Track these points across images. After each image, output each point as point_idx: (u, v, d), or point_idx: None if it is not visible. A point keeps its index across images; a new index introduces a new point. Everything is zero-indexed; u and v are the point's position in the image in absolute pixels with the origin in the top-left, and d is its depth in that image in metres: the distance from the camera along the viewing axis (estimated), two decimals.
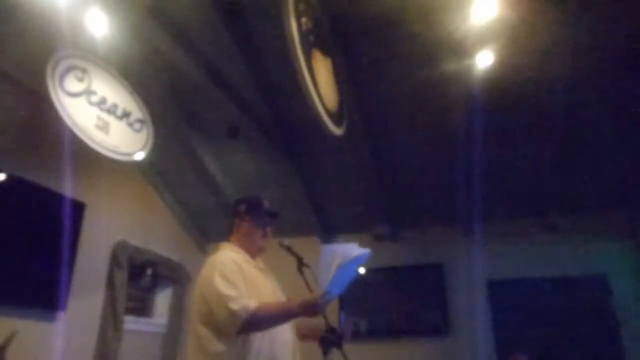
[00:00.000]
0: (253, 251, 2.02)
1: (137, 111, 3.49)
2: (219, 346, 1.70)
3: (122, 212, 4.48)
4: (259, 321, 1.69)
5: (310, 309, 1.66)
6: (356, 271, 1.78)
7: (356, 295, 4.80)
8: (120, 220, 4.44)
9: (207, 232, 5.49)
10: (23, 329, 3.15)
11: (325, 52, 3.09)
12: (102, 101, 3.19)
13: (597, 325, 4.36)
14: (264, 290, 1.87)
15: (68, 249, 3.65)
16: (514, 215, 4.79)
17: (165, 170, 4.83)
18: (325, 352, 1.68)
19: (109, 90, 3.28)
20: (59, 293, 3.58)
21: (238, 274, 1.79)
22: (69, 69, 2.96)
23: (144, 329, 4.68)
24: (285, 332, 1.85)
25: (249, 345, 1.71)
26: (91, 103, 3.11)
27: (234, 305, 1.66)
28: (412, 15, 3.24)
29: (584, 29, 3.21)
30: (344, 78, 3.52)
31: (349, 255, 1.65)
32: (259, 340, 1.74)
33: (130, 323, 4.37)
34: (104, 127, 3.15)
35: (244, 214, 2.04)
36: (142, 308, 4.87)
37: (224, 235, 2.10)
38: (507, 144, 4.16)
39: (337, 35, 3.43)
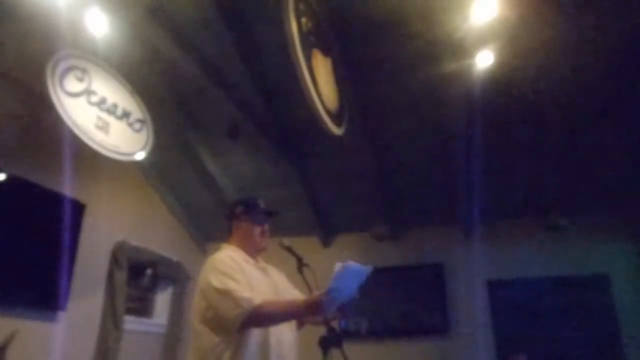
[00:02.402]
0: (252, 251, 2.02)
1: (137, 111, 3.49)
2: (214, 339, 1.70)
3: (122, 212, 4.48)
4: (262, 316, 1.69)
5: (314, 306, 1.66)
6: (356, 288, 1.78)
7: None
8: (120, 220, 4.44)
9: (207, 232, 5.49)
10: (23, 329, 3.15)
11: (325, 52, 3.09)
12: (102, 101, 3.19)
13: (597, 325, 4.36)
14: (262, 289, 1.86)
15: (68, 249, 3.66)
16: (514, 215, 4.79)
17: (165, 170, 4.83)
18: (325, 352, 1.67)
19: (109, 90, 3.27)
20: (59, 293, 3.58)
21: (237, 271, 1.79)
22: (68, 69, 2.96)
23: (144, 329, 4.68)
24: (283, 329, 1.84)
25: (245, 340, 1.71)
26: (91, 103, 3.10)
27: (238, 296, 1.67)
28: (412, 15, 3.23)
29: (584, 29, 3.21)
30: (344, 78, 3.52)
31: (353, 266, 1.67)
32: (255, 335, 1.74)
33: (130, 323, 4.37)
34: (104, 127, 3.15)
35: (241, 215, 2.05)
36: (142, 308, 4.87)
37: (224, 235, 2.11)
38: (507, 144, 4.16)
39: (337, 35, 3.43)
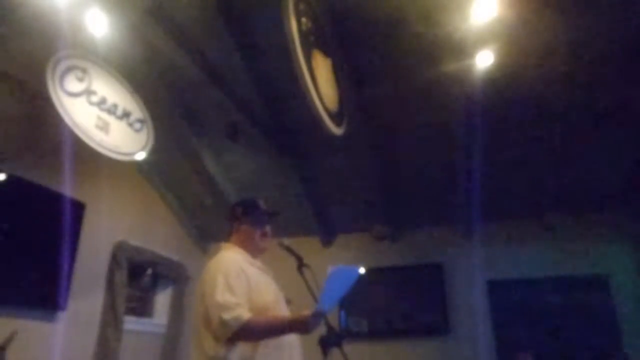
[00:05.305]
0: (254, 252, 2.02)
1: (137, 111, 3.49)
2: (219, 350, 1.69)
3: (122, 212, 4.48)
4: (250, 333, 1.69)
5: (302, 327, 1.67)
6: (345, 287, 1.77)
7: (356, 295, 4.81)
8: (120, 220, 4.44)
9: (207, 232, 5.49)
10: (23, 329, 3.15)
11: (326, 52, 3.09)
12: (102, 101, 3.19)
13: (597, 325, 4.36)
14: (267, 290, 1.87)
15: (68, 249, 3.65)
16: (513, 215, 4.79)
17: (165, 170, 4.83)
18: (325, 352, 1.68)
19: (109, 90, 3.28)
20: (59, 293, 3.58)
21: (241, 278, 1.79)
22: (69, 69, 2.96)
23: (144, 329, 4.68)
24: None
25: (255, 347, 1.72)
26: (91, 103, 3.10)
27: (226, 315, 1.66)
28: (412, 15, 3.23)
29: (584, 29, 3.21)
30: (344, 78, 3.52)
31: (340, 268, 1.66)
32: (264, 341, 1.74)
33: (130, 323, 4.37)
34: (104, 127, 3.15)
35: (241, 217, 2.05)
36: (142, 308, 4.87)
37: (224, 235, 2.10)
38: (506, 144, 4.16)
39: (337, 35, 3.43)
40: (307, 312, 1.66)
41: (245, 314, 1.68)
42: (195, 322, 1.83)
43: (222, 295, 1.71)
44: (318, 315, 1.64)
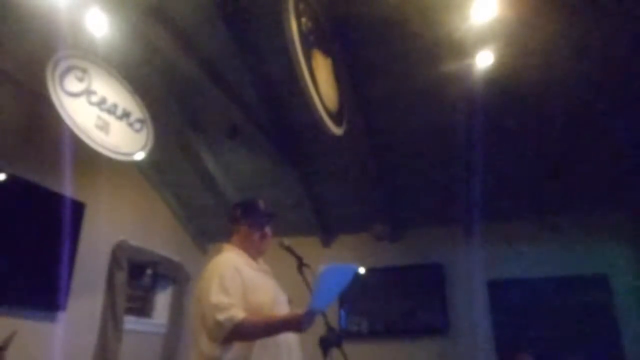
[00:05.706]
0: (254, 253, 2.03)
1: (137, 111, 3.49)
2: (215, 351, 1.70)
3: (122, 212, 4.49)
4: (244, 332, 1.70)
5: (295, 325, 1.68)
6: (341, 285, 1.77)
7: (356, 295, 4.81)
8: (120, 220, 4.44)
9: (207, 232, 5.49)
10: (23, 329, 3.15)
11: (326, 52, 3.08)
12: (102, 101, 3.19)
13: (596, 325, 4.36)
14: (264, 290, 1.87)
15: (68, 249, 3.66)
16: (514, 215, 4.79)
17: (165, 170, 4.83)
18: (325, 352, 1.68)
19: (109, 90, 3.28)
20: (59, 293, 3.58)
21: (236, 280, 1.79)
22: (69, 69, 2.96)
23: (144, 329, 4.68)
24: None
25: (251, 347, 1.72)
26: (91, 103, 3.10)
27: (220, 316, 1.67)
28: (412, 15, 3.23)
29: (584, 29, 3.21)
30: (344, 78, 3.52)
31: (333, 267, 1.65)
32: (261, 341, 1.75)
33: (130, 323, 4.37)
34: (104, 127, 3.15)
35: (241, 218, 2.06)
36: (142, 308, 4.87)
37: (224, 235, 2.11)
38: (507, 144, 4.16)
39: (337, 35, 3.43)
40: (300, 310, 1.67)
41: (239, 314, 1.68)
42: (193, 323, 1.84)
43: (216, 296, 1.72)
44: (310, 314, 1.64)
